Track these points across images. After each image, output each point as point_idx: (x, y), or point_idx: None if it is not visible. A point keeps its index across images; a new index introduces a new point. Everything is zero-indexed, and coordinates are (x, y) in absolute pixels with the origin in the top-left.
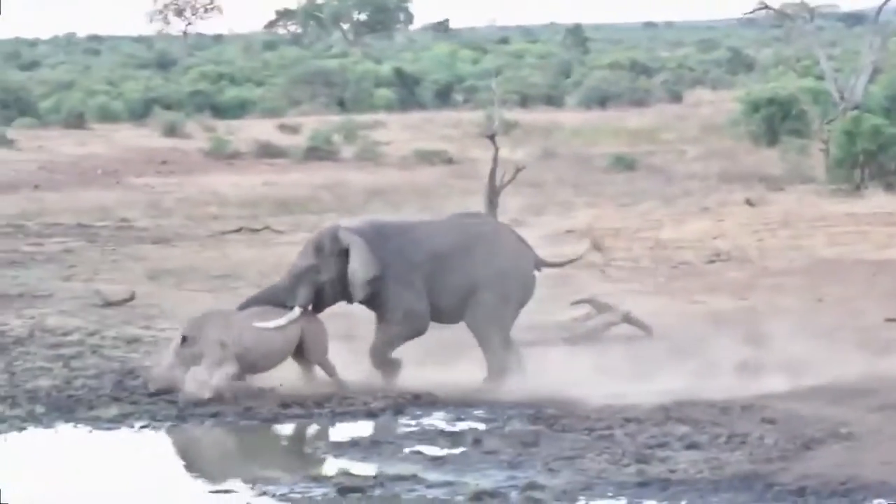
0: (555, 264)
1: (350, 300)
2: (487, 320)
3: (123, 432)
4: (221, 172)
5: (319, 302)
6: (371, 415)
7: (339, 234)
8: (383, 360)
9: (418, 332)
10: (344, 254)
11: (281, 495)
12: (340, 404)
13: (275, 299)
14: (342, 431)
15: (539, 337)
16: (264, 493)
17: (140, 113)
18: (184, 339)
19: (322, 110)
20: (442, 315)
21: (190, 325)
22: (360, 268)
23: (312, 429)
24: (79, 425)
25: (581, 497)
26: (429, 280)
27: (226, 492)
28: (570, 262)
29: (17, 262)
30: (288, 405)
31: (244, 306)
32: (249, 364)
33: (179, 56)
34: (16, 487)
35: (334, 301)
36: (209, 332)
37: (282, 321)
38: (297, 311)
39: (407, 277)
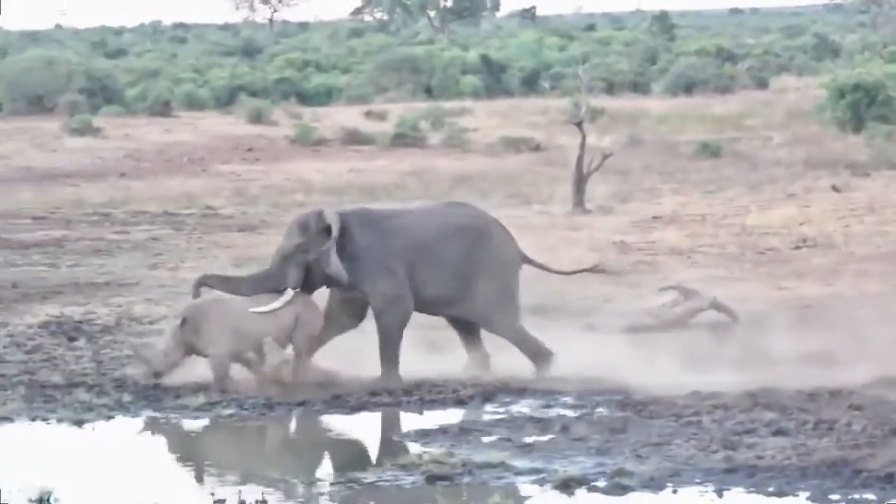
0: (537, 265)
1: (338, 284)
2: (497, 310)
3: (210, 420)
4: (307, 159)
5: (309, 283)
6: (460, 402)
7: (324, 212)
8: (393, 362)
9: (404, 318)
10: (328, 231)
11: (369, 484)
12: (429, 392)
13: (263, 284)
14: (431, 419)
15: (627, 323)
16: (352, 483)
17: (226, 100)
18: (183, 321)
19: (408, 97)
20: (427, 306)
21: (190, 310)
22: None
23: (401, 417)
24: (166, 414)
25: (669, 483)
26: (411, 269)
27: (312, 482)
28: (554, 271)
29: (103, 251)
30: (376, 393)
31: (201, 283)
32: (245, 349)
33: (265, 43)
34: (105, 475)
35: (324, 282)
36: (213, 317)
37: (277, 304)
38: (289, 292)
39: (387, 263)
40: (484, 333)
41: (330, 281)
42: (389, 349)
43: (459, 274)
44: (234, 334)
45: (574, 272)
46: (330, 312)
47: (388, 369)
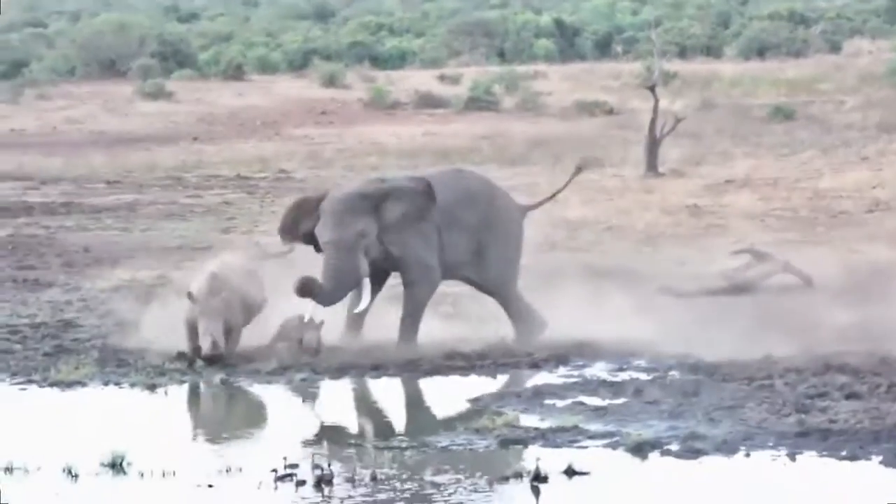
0: (536, 205)
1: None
2: (505, 277)
3: (282, 385)
4: (381, 123)
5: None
6: (534, 366)
7: (367, 192)
8: (413, 332)
9: (434, 286)
10: (376, 211)
11: (442, 448)
12: (504, 355)
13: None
14: (505, 383)
15: (700, 286)
16: (425, 447)
17: (299, 64)
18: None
19: (482, 61)
20: (446, 272)
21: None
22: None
23: (475, 380)
24: (238, 378)
25: (741, 447)
26: (439, 234)
27: (386, 447)
28: (552, 197)
29: (175, 215)
30: (451, 356)
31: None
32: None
33: (338, 7)
34: (177, 439)
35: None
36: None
37: (365, 302)
38: (367, 282)
39: (423, 233)
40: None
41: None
42: (417, 320)
43: (475, 238)
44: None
45: (561, 189)
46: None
47: (409, 338)
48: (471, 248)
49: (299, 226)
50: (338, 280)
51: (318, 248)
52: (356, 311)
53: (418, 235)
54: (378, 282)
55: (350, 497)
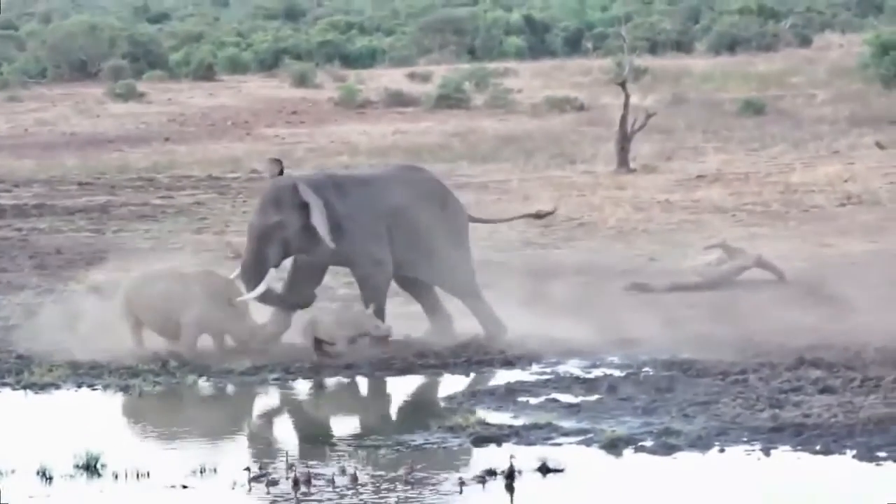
0: (481, 220)
1: (310, 254)
2: (465, 276)
3: (257, 385)
4: (352, 122)
5: (284, 257)
6: (507, 363)
7: (299, 186)
8: (381, 316)
9: (387, 281)
10: (305, 206)
11: (416, 446)
12: (476, 353)
13: (252, 273)
14: (477, 381)
15: (672, 282)
16: (399, 446)
17: (270, 64)
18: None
19: (452, 58)
20: (397, 269)
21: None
22: (323, 223)
23: (447, 379)
24: (211, 379)
25: (716, 442)
26: (389, 233)
27: (360, 445)
28: (497, 221)
29: (147, 216)
30: (423, 355)
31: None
32: None
33: (308, 6)
34: (151, 440)
35: (297, 254)
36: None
37: (261, 288)
38: (272, 272)
39: (372, 228)
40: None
41: (306, 251)
42: (381, 311)
43: (428, 237)
44: None
45: (513, 218)
46: (293, 283)
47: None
48: (422, 246)
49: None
50: (244, 268)
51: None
52: (239, 298)
53: (365, 230)
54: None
55: (326, 497)
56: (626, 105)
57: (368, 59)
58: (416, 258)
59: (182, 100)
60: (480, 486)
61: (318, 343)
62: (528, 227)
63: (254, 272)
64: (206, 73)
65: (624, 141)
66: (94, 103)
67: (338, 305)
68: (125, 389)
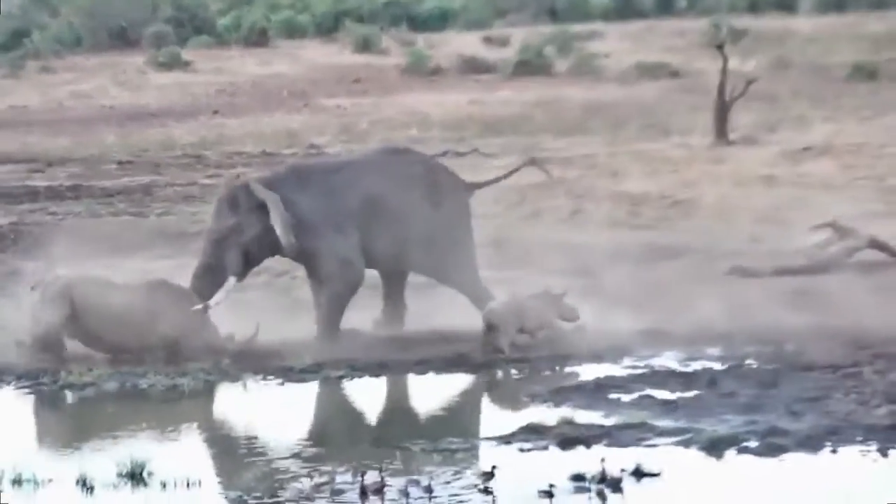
0: (484, 183)
1: (280, 254)
2: (457, 263)
3: (318, 382)
4: (422, 91)
5: (247, 262)
6: (596, 357)
7: (252, 187)
8: (333, 327)
9: (354, 282)
10: (262, 206)
11: (495, 448)
12: (562, 346)
13: (205, 280)
14: (563, 377)
15: (777, 265)
16: (477, 448)
17: (329, 27)
18: None
19: (531, 20)
20: (379, 263)
21: None
22: (279, 220)
23: (530, 375)
24: (269, 377)
25: (827, 443)
26: (363, 226)
27: (434, 448)
28: (500, 179)
29: (195, 197)
30: (501, 350)
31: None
32: None
33: None
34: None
35: (261, 259)
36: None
37: (220, 296)
38: (232, 280)
39: (337, 223)
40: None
41: (268, 253)
42: (335, 315)
43: (414, 227)
44: None
45: (511, 173)
46: None
47: (329, 335)
48: (407, 237)
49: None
50: (196, 275)
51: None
52: (197, 306)
53: (329, 225)
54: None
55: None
56: (724, 70)
57: (439, 21)
58: (400, 252)
59: (232, 68)
60: (567, 493)
61: (492, 330)
62: (617, 206)
63: (208, 280)
64: (258, 38)
65: (722, 110)
66: (134, 74)
67: (510, 294)
68: (172, 388)
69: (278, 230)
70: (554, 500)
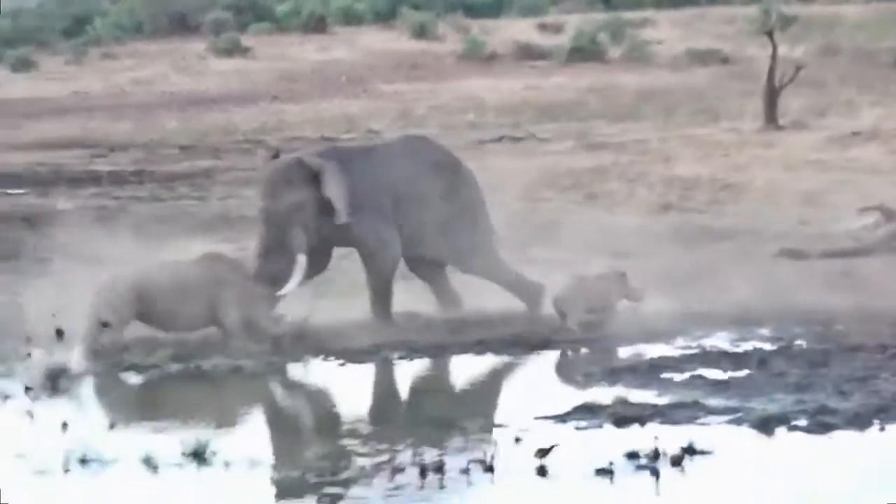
0: None
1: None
2: (481, 251)
3: (376, 364)
4: (478, 76)
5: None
6: (649, 337)
7: (307, 160)
8: (385, 305)
9: (395, 261)
10: (315, 182)
11: (551, 427)
12: (616, 327)
13: (271, 256)
14: (618, 356)
15: (826, 248)
16: (531, 428)
17: (386, 14)
18: None
19: (586, 7)
20: (404, 248)
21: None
22: (338, 189)
23: (586, 354)
24: (329, 358)
25: (875, 421)
26: (397, 208)
27: (496, 424)
28: None
29: (256, 182)
30: (561, 329)
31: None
32: None
33: None
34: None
35: (313, 239)
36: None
37: (297, 276)
38: (303, 259)
39: (376, 203)
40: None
41: (319, 233)
42: (384, 293)
43: (441, 213)
44: None
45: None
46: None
47: (382, 313)
48: (434, 222)
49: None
50: (264, 256)
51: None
52: (280, 292)
53: (370, 206)
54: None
55: (457, 486)
56: (773, 57)
57: (494, 8)
58: (423, 237)
59: (291, 54)
60: (623, 471)
61: (562, 315)
62: (669, 190)
63: (272, 261)
64: (317, 24)
65: (772, 96)
66: (195, 60)
67: (575, 275)
68: (235, 370)
69: (338, 201)
70: (611, 477)
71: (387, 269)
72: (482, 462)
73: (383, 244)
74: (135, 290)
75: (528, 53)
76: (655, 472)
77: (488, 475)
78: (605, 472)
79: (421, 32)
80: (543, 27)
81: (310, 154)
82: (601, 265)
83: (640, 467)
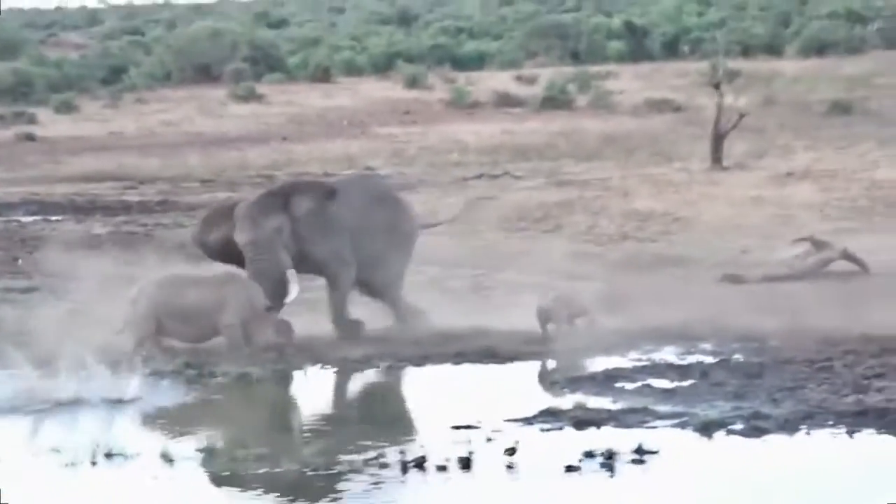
0: (431, 224)
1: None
2: (398, 280)
3: (369, 372)
4: (462, 122)
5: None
6: (606, 350)
7: (273, 191)
8: (346, 319)
9: (352, 282)
10: (286, 210)
11: (518, 429)
12: (576, 341)
13: (264, 278)
14: (578, 367)
15: (763, 274)
16: (500, 430)
17: (383, 66)
18: None
19: (557, 62)
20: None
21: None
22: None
23: (550, 365)
24: (326, 366)
25: (803, 426)
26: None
27: (466, 427)
28: (442, 223)
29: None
30: (529, 342)
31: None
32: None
33: (420, 12)
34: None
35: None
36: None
37: (294, 289)
38: (293, 272)
39: (337, 229)
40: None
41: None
42: (343, 309)
43: (382, 241)
44: None
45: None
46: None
47: (345, 329)
48: (374, 250)
49: (209, 236)
50: (263, 277)
51: (224, 260)
52: (286, 300)
53: (333, 232)
54: None
55: (437, 481)
56: (720, 106)
57: (477, 62)
58: (366, 261)
59: (300, 101)
60: (582, 467)
61: (546, 322)
62: (627, 222)
63: (265, 282)
64: (322, 75)
65: (718, 140)
66: (216, 105)
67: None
68: (243, 376)
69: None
70: (577, 474)
71: (347, 289)
72: (461, 459)
73: (346, 267)
74: (152, 303)
75: (506, 101)
76: (610, 469)
77: (465, 471)
78: (573, 469)
79: (413, 83)
80: (520, 79)
81: (274, 187)
82: (565, 287)
83: (597, 466)
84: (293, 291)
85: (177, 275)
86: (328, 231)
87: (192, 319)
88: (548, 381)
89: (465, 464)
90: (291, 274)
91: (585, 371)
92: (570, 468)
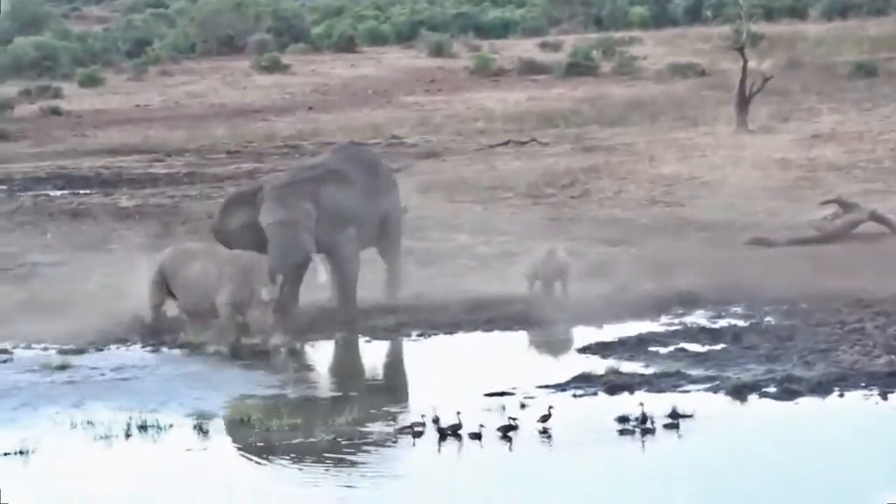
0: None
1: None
2: (399, 244)
3: (399, 341)
4: (487, 89)
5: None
6: (638, 315)
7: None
8: (354, 302)
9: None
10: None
11: (552, 395)
12: (607, 307)
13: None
14: (610, 332)
15: (791, 236)
16: (535, 396)
17: (407, 35)
18: None
19: (581, 28)
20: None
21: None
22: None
23: (582, 331)
24: (358, 335)
25: (835, 388)
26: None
27: (501, 393)
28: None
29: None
30: (560, 310)
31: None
32: None
33: None
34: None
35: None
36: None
37: (322, 268)
38: (318, 256)
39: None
40: None
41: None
42: (353, 293)
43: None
44: None
45: None
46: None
47: (352, 311)
48: (379, 215)
49: (230, 222)
50: (283, 256)
51: (244, 247)
52: (319, 278)
53: (346, 221)
54: None
55: (474, 448)
56: (744, 70)
57: (501, 29)
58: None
59: (324, 71)
60: (615, 431)
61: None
62: (654, 187)
63: (291, 259)
64: (347, 45)
65: (743, 104)
66: (240, 76)
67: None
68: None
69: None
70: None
71: (356, 274)
72: (505, 426)
73: (355, 253)
74: (161, 272)
75: (530, 69)
76: (643, 433)
77: (504, 440)
78: (627, 433)
79: (438, 51)
80: (544, 46)
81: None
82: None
83: (628, 431)
84: (322, 272)
85: (187, 247)
86: (345, 219)
87: (191, 292)
88: (580, 346)
89: (506, 431)
90: (321, 258)
91: (617, 336)
92: (630, 431)
